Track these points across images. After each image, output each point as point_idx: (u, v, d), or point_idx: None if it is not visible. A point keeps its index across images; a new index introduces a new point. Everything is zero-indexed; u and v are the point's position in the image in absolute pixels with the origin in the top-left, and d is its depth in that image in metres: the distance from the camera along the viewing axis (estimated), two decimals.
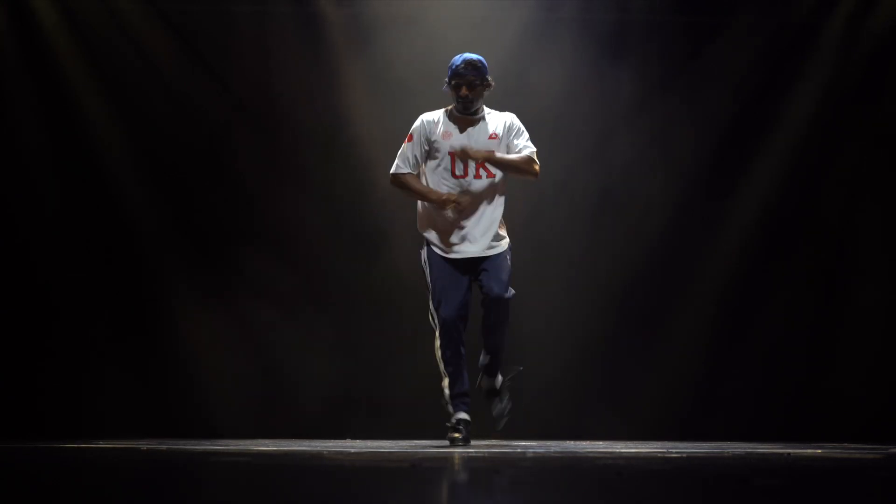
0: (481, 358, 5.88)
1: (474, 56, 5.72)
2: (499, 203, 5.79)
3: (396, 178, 5.80)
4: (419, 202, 5.81)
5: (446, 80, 5.73)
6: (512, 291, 5.74)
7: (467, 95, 5.68)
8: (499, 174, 5.75)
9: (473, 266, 5.76)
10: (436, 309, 5.74)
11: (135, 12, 7.32)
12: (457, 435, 5.67)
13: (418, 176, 5.80)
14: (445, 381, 5.74)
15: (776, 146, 7.30)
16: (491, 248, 5.75)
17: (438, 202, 5.69)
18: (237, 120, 7.37)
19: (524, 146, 5.77)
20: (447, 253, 5.75)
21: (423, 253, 5.82)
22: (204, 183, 7.36)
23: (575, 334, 7.31)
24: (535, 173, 5.78)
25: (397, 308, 7.19)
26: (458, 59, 5.72)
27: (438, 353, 5.74)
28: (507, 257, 5.78)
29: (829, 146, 7.30)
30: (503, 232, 5.82)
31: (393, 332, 7.24)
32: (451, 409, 5.73)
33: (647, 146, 7.36)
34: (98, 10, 7.30)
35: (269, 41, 7.34)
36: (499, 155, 5.71)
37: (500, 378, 5.90)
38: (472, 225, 5.74)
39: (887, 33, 7.25)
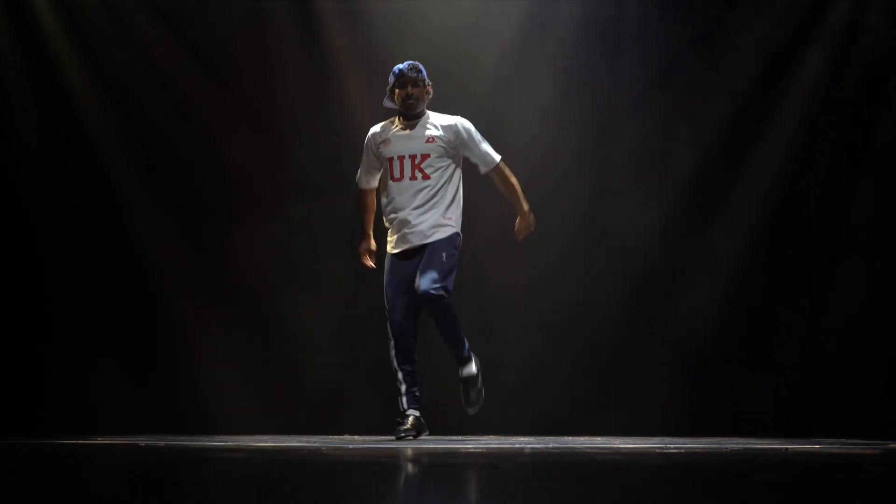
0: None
1: (414, 62, 6.03)
2: (442, 203, 5.93)
3: (359, 188, 6.19)
4: (383, 199, 6.04)
5: (388, 89, 6.01)
6: (441, 288, 5.79)
7: (412, 94, 5.93)
8: (437, 177, 5.92)
9: (418, 261, 5.92)
10: (388, 314, 5.98)
11: (131, 8, 7.32)
12: (404, 427, 5.86)
13: (374, 190, 6.13)
14: (401, 386, 5.93)
15: (776, 142, 7.30)
16: (430, 237, 5.90)
17: (360, 244, 6.16)
18: (236, 117, 7.36)
19: (489, 157, 6.01)
20: (394, 249, 5.99)
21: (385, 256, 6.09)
22: (203, 180, 7.36)
23: (573, 330, 7.31)
24: (507, 172, 6.05)
25: None
26: (398, 65, 6.01)
27: (392, 354, 5.97)
28: (445, 250, 5.88)
29: (830, 142, 7.30)
30: (449, 223, 5.94)
31: None
32: (403, 404, 5.93)
33: (646, 141, 7.36)
34: (94, 4, 7.29)
35: (268, 37, 7.34)
36: (523, 205, 6.02)
37: (472, 368, 5.95)
38: (414, 224, 5.91)
39: (885, 27, 7.24)
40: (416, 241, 5.90)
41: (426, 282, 5.78)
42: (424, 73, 6.00)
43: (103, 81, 7.29)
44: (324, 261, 7.31)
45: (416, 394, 5.93)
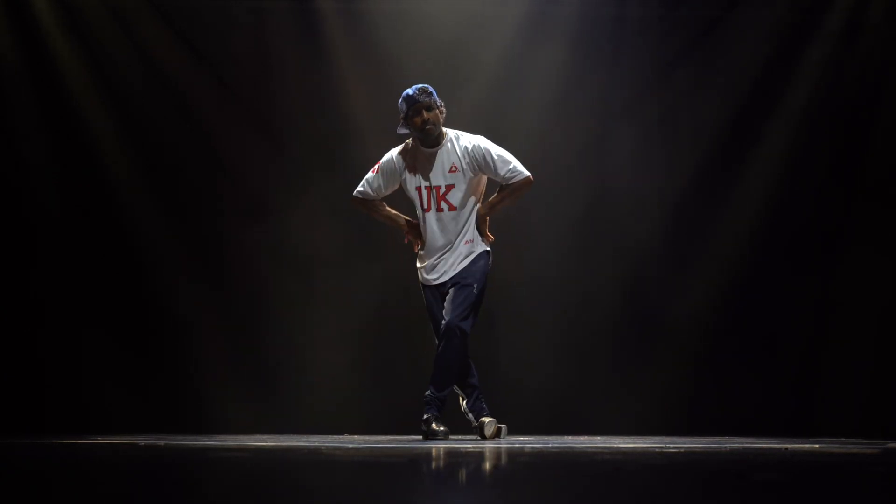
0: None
1: (423, 85, 5.87)
2: (470, 231, 5.88)
3: (356, 199, 6.01)
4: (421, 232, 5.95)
5: (402, 118, 5.83)
6: (466, 324, 5.78)
7: (428, 119, 5.79)
8: (464, 205, 5.86)
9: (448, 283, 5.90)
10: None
11: (131, 8, 7.32)
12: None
13: (381, 202, 6.00)
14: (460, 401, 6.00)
15: (776, 142, 7.29)
16: (462, 262, 5.87)
17: (398, 227, 5.99)
18: (235, 117, 7.36)
19: (512, 174, 5.85)
20: (427, 278, 5.93)
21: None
22: (203, 180, 7.36)
23: (573, 330, 7.31)
24: (526, 189, 5.90)
25: (396, 304, 7.20)
26: (407, 91, 5.84)
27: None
28: (478, 281, 5.84)
29: (829, 142, 7.29)
30: (479, 246, 5.90)
31: (391, 328, 7.24)
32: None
33: (645, 140, 7.36)
34: (94, 4, 7.29)
35: (268, 37, 7.34)
36: (491, 207, 5.88)
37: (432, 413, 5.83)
38: (445, 255, 5.87)
39: (886, 26, 7.24)
40: (448, 270, 5.87)
41: (455, 316, 5.77)
42: (435, 94, 5.83)
43: (103, 81, 7.29)
44: (324, 260, 7.30)
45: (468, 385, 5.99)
